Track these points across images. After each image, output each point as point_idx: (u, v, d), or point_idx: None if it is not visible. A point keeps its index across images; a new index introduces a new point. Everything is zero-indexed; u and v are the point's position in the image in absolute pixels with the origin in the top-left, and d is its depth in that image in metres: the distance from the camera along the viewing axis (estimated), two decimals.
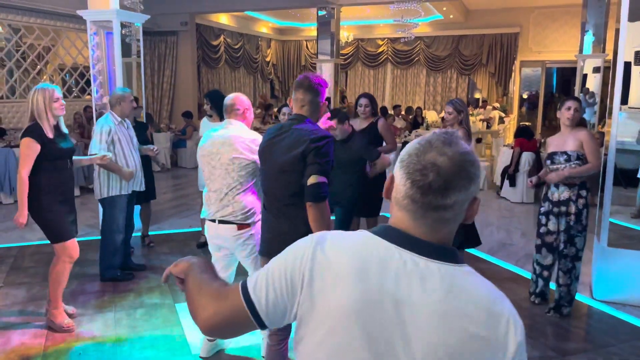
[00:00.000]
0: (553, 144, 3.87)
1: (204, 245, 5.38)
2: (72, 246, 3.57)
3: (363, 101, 4.70)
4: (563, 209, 3.78)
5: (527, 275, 4.69)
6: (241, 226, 2.98)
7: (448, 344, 0.92)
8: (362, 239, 1.02)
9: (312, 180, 2.26)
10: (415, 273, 0.95)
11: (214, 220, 3.03)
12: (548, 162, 3.85)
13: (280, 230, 2.45)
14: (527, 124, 11.47)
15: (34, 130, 3.37)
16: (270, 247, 2.52)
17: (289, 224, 2.42)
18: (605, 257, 4.22)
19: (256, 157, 2.89)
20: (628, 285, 4.11)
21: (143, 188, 4.57)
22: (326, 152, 2.30)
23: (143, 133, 5.19)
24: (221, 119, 5.10)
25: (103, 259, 4.48)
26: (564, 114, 3.75)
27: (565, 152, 3.72)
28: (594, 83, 9.51)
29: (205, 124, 5.22)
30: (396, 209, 1.01)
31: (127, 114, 4.43)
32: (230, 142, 2.95)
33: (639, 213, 5.45)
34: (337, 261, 0.99)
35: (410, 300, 0.94)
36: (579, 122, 3.82)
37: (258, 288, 1.04)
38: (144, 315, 3.86)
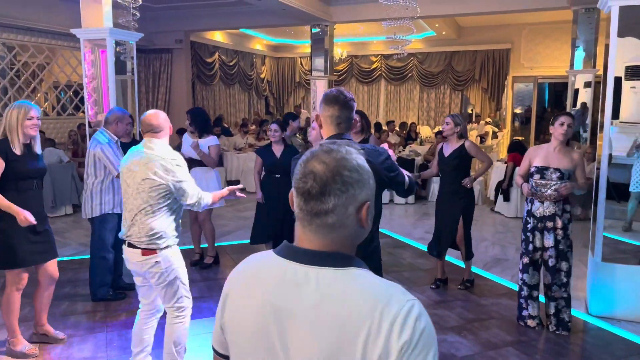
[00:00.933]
0: (540, 157, 3.80)
1: (196, 263, 5.35)
2: (23, 276, 3.41)
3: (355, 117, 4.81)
4: (549, 224, 3.75)
5: None
6: (145, 252, 2.84)
7: (322, 350, 0.91)
8: (258, 257, 1.09)
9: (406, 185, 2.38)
10: (293, 281, 0.98)
11: (124, 242, 2.93)
12: (537, 176, 3.76)
13: None
14: (520, 138, 11.54)
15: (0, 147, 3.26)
16: None
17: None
18: (600, 272, 4.21)
19: (172, 178, 2.81)
20: (623, 300, 4.10)
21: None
22: (392, 162, 2.36)
23: None
24: (200, 135, 5.14)
25: (94, 278, 4.43)
26: (557, 129, 3.74)
27: (559, 169, 3.70)
28: (585, 98, 9.61)
29: (186, 139, 5.28)
30: (296, 220, 1.05)
31: (121, 135, 4.40)
32: (145, 162, 2.82)
33: (630, 226, 5.48)
34: (234, 283, 1.09)
35: (289, 309, 0.97)
36: (572, 137, 3.84)
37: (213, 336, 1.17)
38: None
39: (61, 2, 9.30)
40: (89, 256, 5.17)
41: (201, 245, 5.52)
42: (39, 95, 9.89)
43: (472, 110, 14.82)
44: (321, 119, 2.24)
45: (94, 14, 5.81)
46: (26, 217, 3.20)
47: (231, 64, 14.60)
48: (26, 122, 3.30)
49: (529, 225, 3.85)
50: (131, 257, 2.89)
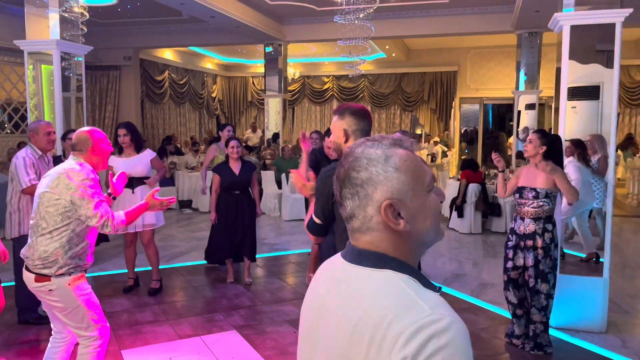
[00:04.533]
0: (522, 176, 3.82)
1: (129, 289, 5.03)
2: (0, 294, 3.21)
3: (314, 135, 5.52)
4: (529, 242, 3.69)
5: (483, 305, 4.72)
6: (39, 278, 2.57)
7: (336, 349, 0.90)
8: (330, 259, 1.08)
9: None
10: (337, 279, 0.98)
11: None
12: (517, 195, 3.79)
13: None
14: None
15: None
16: None
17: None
18: (559, 284, 4.30)
19: (74, 194, 2.53)
20: (580, 311, 4.20)
21: None
22: None
23: None
24: (138, 150, 4.82)
25: (17, 301, 4.17)
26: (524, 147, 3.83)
27: (534, 189, 3.69)
28: (527, 119, 10.05)
29: (115, 162, 4.71)
30: None
31: (44, 147, 4.11)
32: (51, 175, 2.61)
33: (570, 237, 5.71)
34: (312, 284, 1.10)
35: (326, 304, 0.97)
36: (553, 159, 3.73)
37: None
38: None
39: (1, 15, 8.87)
40: None
41: (136, 269, 5.20)
42: None
43: (421, 130, 15.18)
44: (349, 132, 2.24)
45: (39, 25, 5.54)
46: None
47: (182, 82, 14.35)
48: None
49: (509, 243, 3.81)
50: (27, 282, 2.64)
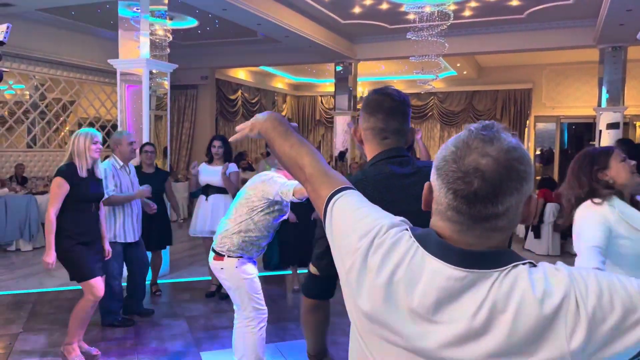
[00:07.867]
0: None
1: (212, 294, 5.21)
2: (97, 285, 3.56)
3: None
4: None
5: None
6: (216, 256, 3.05)
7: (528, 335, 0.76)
8: (401, 241, 0.90)
9: None
10: (446, 289, 0.82)
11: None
12: None
13: None
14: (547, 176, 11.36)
15: (66, 170, 3.53)
16: None
17: None
18: None
19: (268, 187, 2.95)
20: None
21: (137, 238, 4.47)
22: None
23: (161, 183, 5.08)
24: (226, 161, 5.01)
25: (101, 304, 4.33)
26: None
27: None
28: (609, 138, 9.50)
29: (203, 167, 5.10)
30: (438, 219, 0.89)
31: (127, 157, 4.41)
32: (262, 177, 3.08)
33: None
34: (374, 261, 0.90)
35: (435, 322, 0.81)
36: None
37: (337, 208, 1.04)
38: None
39: (94, 38, 9.60)
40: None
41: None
42: (67, 128, 10.07)
43: None
44: (361, 133, 1.58)
45: (131, 46, 5.97)
46: (47, 260, 3.41)
47: (253, 101, 14.83)
48: (92, 147, 3.56)
49: None
50: (211, 263, 3.12)
